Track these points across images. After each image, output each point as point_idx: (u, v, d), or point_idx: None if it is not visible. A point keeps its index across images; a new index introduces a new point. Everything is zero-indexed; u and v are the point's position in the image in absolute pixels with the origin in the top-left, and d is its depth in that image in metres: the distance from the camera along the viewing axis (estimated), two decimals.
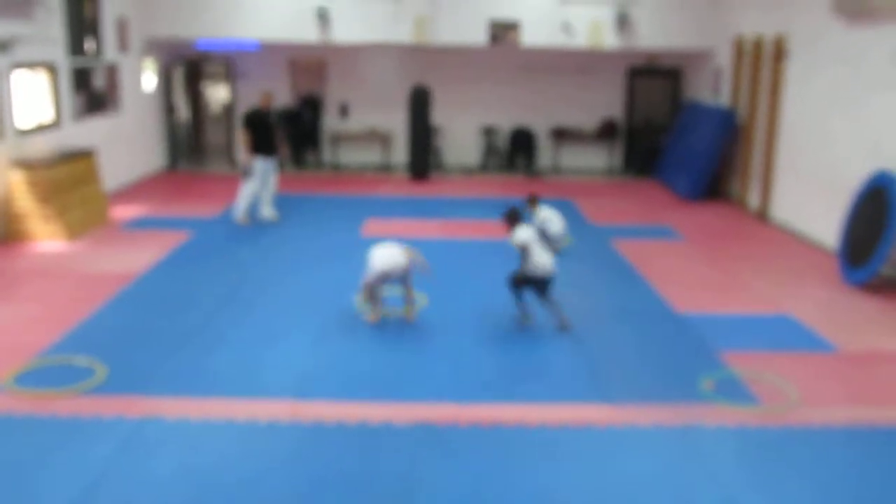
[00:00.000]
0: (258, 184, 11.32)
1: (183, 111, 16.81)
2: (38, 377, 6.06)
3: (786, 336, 7.38)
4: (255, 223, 11.31)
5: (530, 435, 5.43)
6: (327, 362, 6.55)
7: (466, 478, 4.87)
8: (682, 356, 6.84)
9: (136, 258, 9.32)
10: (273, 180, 11.52)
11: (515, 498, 4.69)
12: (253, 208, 11.56)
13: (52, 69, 11.27)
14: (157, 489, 4.67)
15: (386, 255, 7.23)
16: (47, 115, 11.22)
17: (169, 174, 15.52)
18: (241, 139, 11.31)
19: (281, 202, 12.93)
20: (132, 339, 6.90)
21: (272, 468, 4.93)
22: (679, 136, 15.14)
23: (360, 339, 7.08)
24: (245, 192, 11.31)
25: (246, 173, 11.25)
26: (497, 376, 6.38)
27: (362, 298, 7.49)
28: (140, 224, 11.16)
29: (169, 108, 15.96)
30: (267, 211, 11.52)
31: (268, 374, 6.28)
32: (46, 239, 9.90)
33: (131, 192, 13.34)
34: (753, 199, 13.03)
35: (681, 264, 9.81)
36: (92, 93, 12.53)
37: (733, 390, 6.16)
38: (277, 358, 6.60)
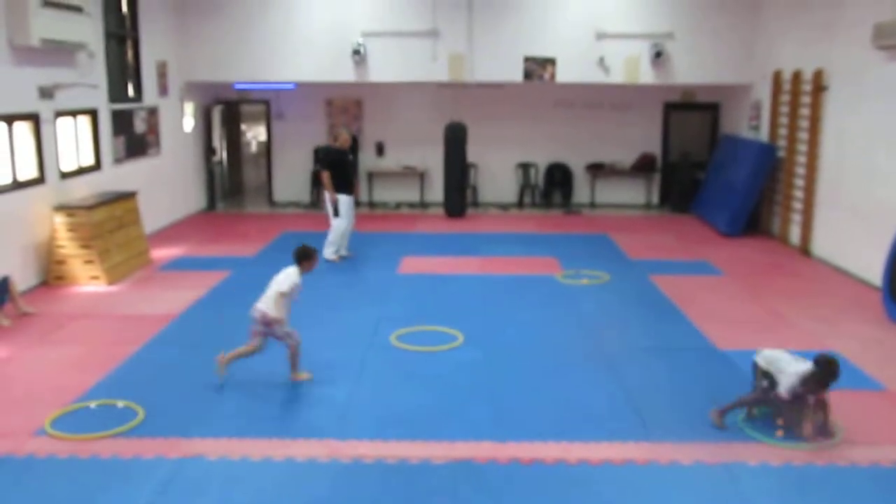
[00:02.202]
0: (346, 221, 11.56)
1: (221, 152, 17.02)
2: (80, 420, 6.09)
3: None
4: (344, 259, 11.67)
5: (571, 472, 5.38)
6: (366, 401, 6.52)
7: None
8: (724, 393, 6.70)
9: (175, 299, 9.39)
10: (353, 217, 11.83)
11: None
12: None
13: (93, 114, 11.49)
14: None
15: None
16: (89, 158, 11.42)
17: (208, 215, 15.71)
18: (324, 180, 11.50)
19: (317, 239, 13.00)
20: (172, 380, 6.93)
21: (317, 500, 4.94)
22: (717, 170, 15.02)
23: (399, 377, 7.05)
24: (336, 231, 11.57)
25: (336, 213, 11.48)
26: (536, 413, 6.29)
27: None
28: (179, 265, 11.27)
29: (208, 149, 16.18)
30: (343, 249, 11.84)
31: (306, 413, 6.27)
32: (88, 282, 10.03)
33: (171, 234, 13.51)
34: (794, 235, 12.85)
35: (721, 300, 9.68)
36: (132, 136, 12.74)
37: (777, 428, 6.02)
38: (316, 397, 6.59)
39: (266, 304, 6.75)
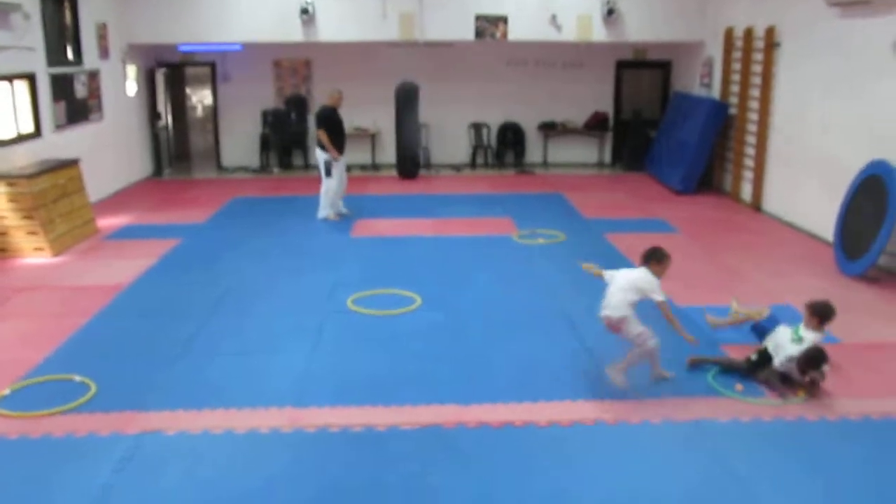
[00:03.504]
0: (337, 180, 11.55)
1: (166, 116, 16.61)
2: (29, 397, 5.88)
3: None
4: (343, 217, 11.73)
5: (541, 434, 5.33)
6: (326, 367, 6.39)
7: (478, 481, 4.75)
8: (686, 351, 6.71)
9: (124, 268, 9.14)
10: (345, 177, 11.87)
11: (529, 499, 4.56)
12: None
13: (31, 78, 11.07)
14: None
15: None
16: (28, 125, 11.02)
17: (154, 181, 15.35)
18: (322, 138, 11.41)
19: (267, 204, 12.81)
20: (124, 352, 6.72)
21: (277, 478, 4.80)
22: (669, 128, 15.04)
23: (358, 342, 6.93)
24: (327, 191, 11.59)
25: (328, 173, 11.46)
26: (500, 374, 6.23)
27: None
28: (127, 233, 10.98)
29: (153, 114, 15.76)
30: (340, 207, 11.90)
31: (266, 382, 6.11)
32: (32, 253, 9.70)
33: (117, 202, 13.16)
34: (746, 192, 12.93)
35: (677, 257, 9.56)
36: (73, 101, 12.33)
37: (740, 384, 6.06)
38: (275, 365, 6.44)
39: (610, 309, 6.01)
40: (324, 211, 11.68)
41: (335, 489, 4.68)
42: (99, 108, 13.27)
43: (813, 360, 5.90)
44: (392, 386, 6.03)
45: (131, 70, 14.76)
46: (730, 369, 6.26)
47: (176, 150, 17.50)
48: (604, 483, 4.74)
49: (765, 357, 6.18)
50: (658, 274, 6.08)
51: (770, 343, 6.26)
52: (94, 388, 5.94)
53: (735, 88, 13.39)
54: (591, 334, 7.04)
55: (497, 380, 6.15)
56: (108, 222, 11.53)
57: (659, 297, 5.89)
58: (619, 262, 9.34)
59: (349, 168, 16.03)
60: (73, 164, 11.02)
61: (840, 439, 5.33)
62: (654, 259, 6.10)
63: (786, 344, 6.10)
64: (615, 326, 5.96)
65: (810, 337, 6.08)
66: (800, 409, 5.69)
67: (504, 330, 7.22)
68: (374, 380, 6.15)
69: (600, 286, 8.20)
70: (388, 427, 5.38)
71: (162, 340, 6.96)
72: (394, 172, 15.65)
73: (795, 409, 5.70)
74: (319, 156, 11.53)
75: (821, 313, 6.22)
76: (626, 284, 5.97)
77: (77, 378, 6.11)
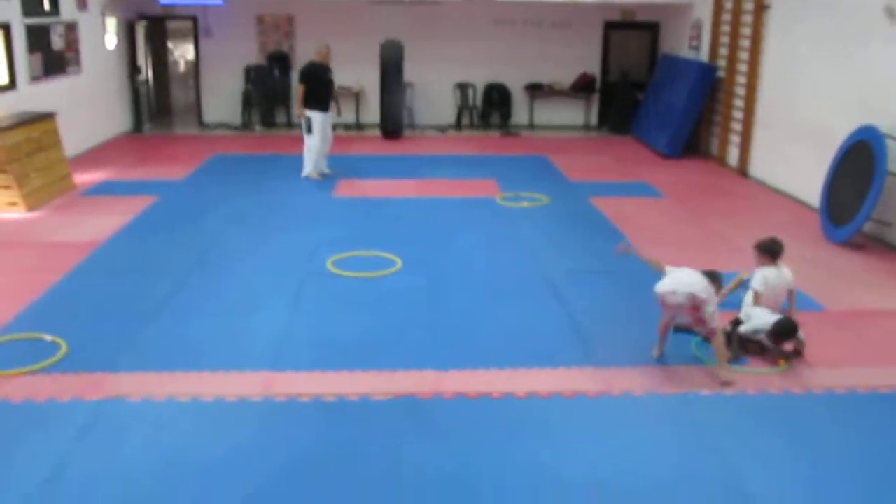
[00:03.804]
0: (319, 138, 11.33)
1: (147, 71, 16.29)
2: None
3: None
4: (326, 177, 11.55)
5: (519, 407, 5.16)
6: (303, 331, 6.27)
7: (454, 454, 4.59)
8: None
9: (100, 225, 8.95)
10: (330, 136, 11.61)
11: (506, 475, 4.43)
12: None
13: (5, 28, 10.78)
14: (123, 474, 4.38)
15: None
16: (2, 77, 10.75)
17: (133, 137, 15.06)
18: (298, 95, 11.28)
19: (248, 162, 12.61)
20: (98, 311, 6.57)
21: (242, 448, 4.61)
22: (657, 91, 14.88)
23: (337, 305, 6.79)
24: (309, 149, 11.43)
25: (309, 129, 11.29)
26: (479, 340, 6.12)
27: None
28: (104, 189, 10.76)
29: (133, 68, 15.44)
30: (327, 167, 11.70)
31: (242, 344, 5.97)
32: (6, 208, 9.48)
33: (94, 157, 12.90)
34: (732, 156, 12.83)
35: (662, 222, 9.62)
36: (50, 53, 12.03)
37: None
38: (250, 327, 6.30)
39: (691, 286, 5.59)
40: (306, 169, 11.51)
41: (304, 461, 4.50)
42: (77, 60, 12.96)
43: (782, 332, 5.81)
44: (369, 350, 5.91)
45: (111, 23, 14.41)
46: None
47: (156, 106, 17.19)
48: (584, 458, 4.58)
49: (738, 325, 6.10)
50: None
51: (742, 311, 6.20)
52: (64, 348, 5.79)
53: (724, 51, 13.22)
54: (574, 300, 6.96)
55: (477, 346, 6.04)
56: (85, 178, 11.30)
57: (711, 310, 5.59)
58: (603, 227, 9.27)
59: (333, 127, 15.84)
60: (49, 117, 10.77)
61: (826, 413, 5.22)
62: (716, 280, 5.75)
63: (749, 309, 6.08)
64: (692, 305, 5.54)
65: (757, 280, 6.13)
66: (785, 382, 5.58)
67: (485, 295, 7.10)
68: (351, 344, 6.02)
69: (583, 251, 8.16)
70: (361, 396, 5.21)
71: (137, 299, 6.82)
72: (378, 132, 15.43)
73: (780, 382, 5.59)
74: (297, 112, 11.43)
75: (770, 250, 6.24)
76: (698, 276, 5.69)
77: (48, 337, 5.96)
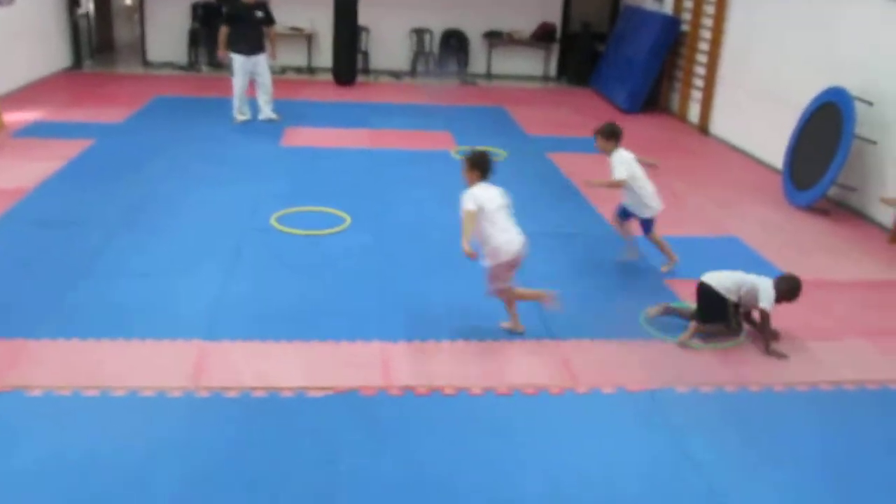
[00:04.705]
0: (241, 81, 10.80)
1: (87, 3, 15.44)
2: None
3: (734, 261, 6.77)
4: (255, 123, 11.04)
5: (475, 406, 4.60)
6: (241, 294, 5.83)
7: (398, 461, 4.07)
8: (633, 286, 6.36)
9: (29, 170, 8.37)
10: (265, 80, 10.94)
11: (458, 483, 3.92)
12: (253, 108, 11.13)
13: None
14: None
15: None
16: None
17: (72, 74, 14.30)
18: (219, 36, 10.76)
19: (193, 105, 12.01)
20: (18, 269, 6.09)
21: (158, 448, 4.05)
22: (618, 43, 14.48)
23: (278, 266, 6.37)
24: (234, 91, 10.92)
25: (233, 71, 10.83)
26: (431, 309, 5.77)
27: None
28: (36, 131, 10.13)
29: (71, 1, 14.59)
30: (265, 112, 11.13)
31: (173, 310, 5.54)
32: None
33: (28, 95, 12.17)
34: (693, 113, 12.54)
35: None
36: None
37: (681, 327, 5.67)
38: (184, 290, 5.87)
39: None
40: (233, 113, 11.07)
41: (224, 465, 3.94)
42: None
43: (795, 288, 5.52)
44: (313, 318, 5.53)
45: None
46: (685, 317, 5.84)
47: (98, 42, 16.38)
48: (546, 470, 4.07)
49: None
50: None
51: (722, 289, 5.66)
52: None
53: (688, 4, 12.84)
54: (532, 264, 6.60)
55: (428, 315, 5.67)
56: (16, 117, 10.64)
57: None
58: (562, 185, 8.94)
59: (283, 70, 15.24)
60: None
61: (811, 415, 4.74)
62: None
63: (748, 277, 5.61)
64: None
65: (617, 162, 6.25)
66: (765, 378, 5.08)
67: (438, 256, 6.72)
68: (293, 310, 5.62)
69: (542, 211, 7.79)
70: (296, 392, 4.60)
71: (64, 256, 6.34)
72: (330, 77, 14.85)
73: (759, 377, 5.08)
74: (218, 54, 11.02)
75: (609, 133, 6.42)
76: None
77: None
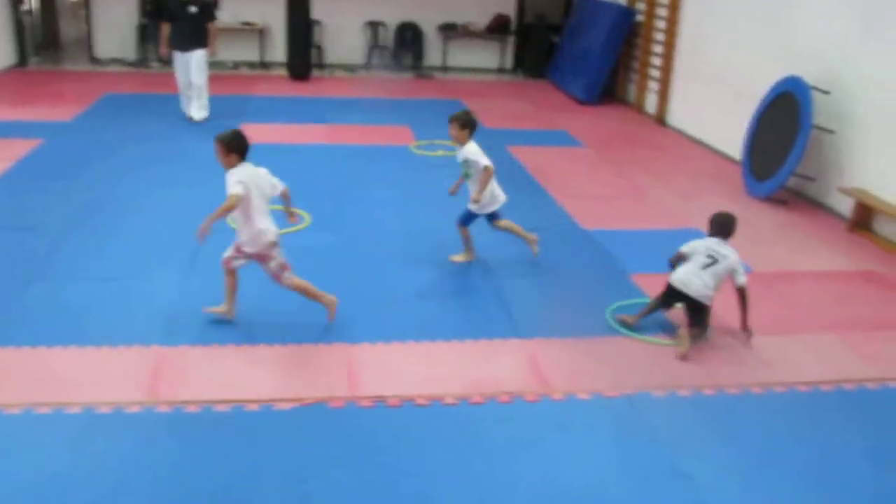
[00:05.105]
0: (180, 78, 10.65)
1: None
2: None
3: None
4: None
5: (447, 414, 4.43)
6: (199, 298, 5.63)
7: (374, 476, 3.87)
8: (596, 282, 6.29)
9: None
10: (196, 78, 10.58)
11: (438, 497, 3.77)
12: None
13: None
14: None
15: None
16: None
17: (16, 72, 13.91)
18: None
19: (144, 103, 11.74)
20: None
21: (118, 471, 3.82)
22: (573, 34, 14.45)
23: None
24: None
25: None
26: (395, 309, 5.65)
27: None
28: None
29: None
30: (193, 111, 10.77)
31: (130, 315, 5.36)
32: None
33: None
34: (650, 103, 12.55)
35: (582, 173, 9.29)
36: None
37: (649, 324, 5.61)
38: (139, 294, 5.69)
39: None
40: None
41: (184, 484, 3.75)
42: None
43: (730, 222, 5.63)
44: (273, 322, 5.39)
45: None
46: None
47: (43, 38, 15.98)
48: (527, 478, 3.92)
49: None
50: None
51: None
52: None
53: None
54: (494, 262, 6.53)
55: (392, 316, 5.56)
56: None
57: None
58: (523, 179, 8.87)
59: (236, 66, 14.99)
60: None
61: (792, 418, 4.61)
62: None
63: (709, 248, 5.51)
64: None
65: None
66: (742, 378, 4.97)
67: (400, 257, 6.61)
68: (253, 314, 5.46)
69: (506, 206, 7.65)
70: (263, 405, 4.38)
71: (12, 260, 6.13)
72: (284, 72, 14.62)
73: (736, 378, 4.97)
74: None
75: (465, 121, 6.23)
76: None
77: None
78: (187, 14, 10.37)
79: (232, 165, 5.12)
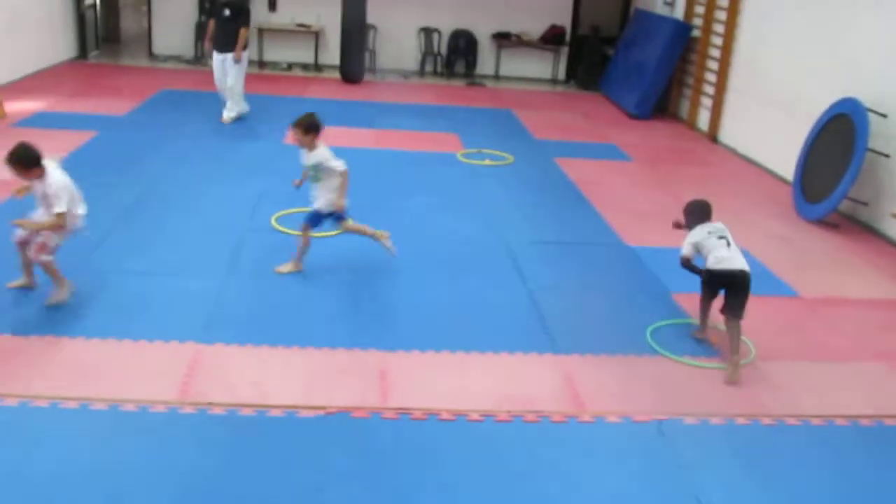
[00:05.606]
0: (216, 77, 10.69)
1: None
2: None
3: None
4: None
5: (472, 431, 4.35)
6: (239, 296, 5.71)
7: (394, 492, 3.81)
8: (637, 300, 6.20)
9: None
10: (231, 80, 10.58)
11: None
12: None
13: None
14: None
15: None
16: None
17: (77, 65, 14.20)
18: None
19: (199, 100, 11.88)
20: (6, 265, 5.95)
21: (137, 472, 3.81)
22: (628, 47, 14.33)
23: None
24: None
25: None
26: (431, 318, 5.61)
27: None
28: (38, 122, 10.00)
29: None
30: (224, 112, 10.79)
31: (168, 311, 5.42)
32: None
33: (31, 85, 12.07)
34: (703, 120, 12.39)
35: (629, 188, 9.18)
36: None
37: (690, 344, 5.53)
38: (181, 291, 5.73)
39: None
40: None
41: (205, 492, 3.71)
42: None
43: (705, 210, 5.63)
44: (310, 324, 5.39)
45: None
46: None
47: (105, 33, 16.28)
48: (541, 502, 3.83)
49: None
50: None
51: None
52: None
53: (700, 10, 12.69)
54: (536, 276, 6.45)
55: (427, 324, 5.52)
56: (19, 107, 10.52)
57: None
58: (570, 192, 8.80)
59: (290, 67, 15.13)
60: None
61: (826, 454, 4.41)
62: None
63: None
64: None
65: None
66: (778, 408, 4.77)
67: (440, 264, 6.58)
68: (290, 316, 5.49)
69: (548, 219, 7.65)
70: (286, 411, 4.37)
71: (60, 252, 6.20)
72: (337, 75, 14.72)
73: (772, 408, 4.76)
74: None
75: (308, 125, 6.08)
76: None
77: None
78: (222, 16, 10.47)
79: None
